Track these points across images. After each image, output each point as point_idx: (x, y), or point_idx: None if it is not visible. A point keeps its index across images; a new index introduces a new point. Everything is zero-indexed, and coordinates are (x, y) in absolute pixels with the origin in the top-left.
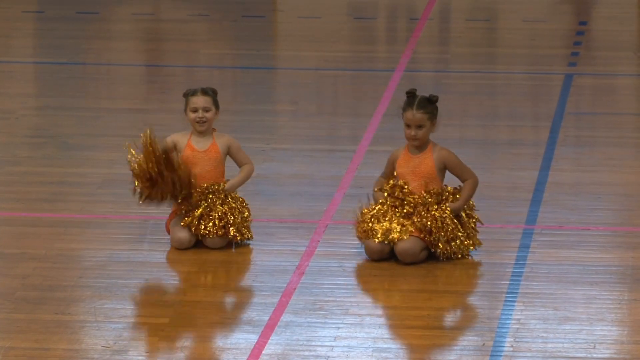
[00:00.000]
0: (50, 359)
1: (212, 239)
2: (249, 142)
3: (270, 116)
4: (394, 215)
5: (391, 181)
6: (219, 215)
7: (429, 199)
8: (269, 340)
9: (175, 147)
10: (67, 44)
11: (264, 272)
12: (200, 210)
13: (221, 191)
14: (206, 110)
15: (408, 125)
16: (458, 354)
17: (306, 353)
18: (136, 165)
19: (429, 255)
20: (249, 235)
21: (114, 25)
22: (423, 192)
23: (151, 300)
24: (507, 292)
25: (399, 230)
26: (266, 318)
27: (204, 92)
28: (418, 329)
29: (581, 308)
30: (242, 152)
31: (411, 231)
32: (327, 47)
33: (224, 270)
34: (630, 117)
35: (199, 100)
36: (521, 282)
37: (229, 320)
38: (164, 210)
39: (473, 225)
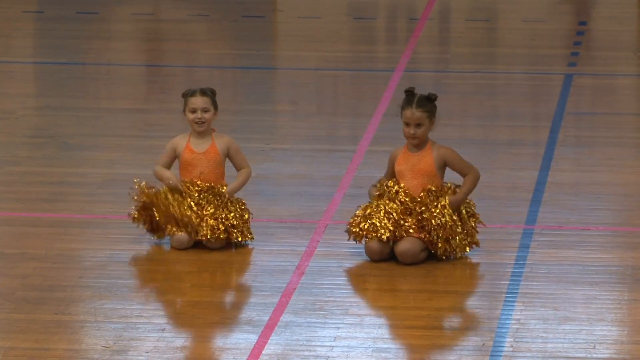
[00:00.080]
0: (50, 359)
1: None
2: (249, 142)
3: (270, 116)
4: (385, 214)
5: (387, 182)
6: (220, 219)
7: (427, 199)
8: (269, 340)
9: (175, 152)
10: (67, 44)
11: (264, 272)
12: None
13: (222, 195)
14: (205, 110)
15: (407, 124)
16: (458, 354)
17: (306, 353)
18: (137, 214)
19: (429, 256)
20: (251, 237)
21: (114, 25)
22: (421, 192)
23: (151, 300)
24: (507, 292)
25: (386, 227)
26: (266, 318)
27: (203, 92)
28: (418, 329)
29: (581, 308)
30: (240, 154)
31: (410, 232)
32: (327, 47)
33: (224, 270)
34: (630, 117)
35: (198, 101)
36: (521, 282)
37: (228, 320)
38: None
39: (473, 225)
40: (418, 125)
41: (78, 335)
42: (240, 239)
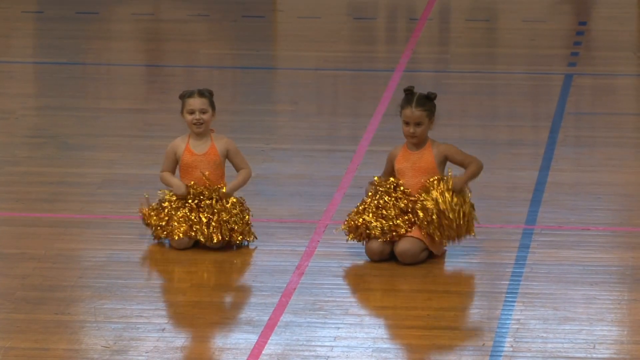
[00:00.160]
0: (50, 359)
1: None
2: (248, 142)
3: (270, 116)
4: (380, 211)
5: (385, 178)
6: (222, 222)
7: (422, 196)
8: (269, 340)
9: (175, 155)
10: (67, 44)
11: (264, 272)
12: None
13: (221, 197)
14: (203, 112)
15: (407, 123)
16: (458, 354)
17: (306, 353)
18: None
19: (429, 256)
20: (253, 238)
21: (114, 25)
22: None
23: (151, 300)
24: (507, 292)
25: (379, 226)
26: (266, 318)
27: (201, 93)
28: (418, 329)
29: (581, 308)
30: (240, 155)
31: (410, 232)
32: (327, 47)
33: (224, 270)
34: (630, 117)
35: (196, 102)
36: (521, 282)
37: (229, 320)
38: None
39: (475, 214)
40: (417, 124)
41: (78, 335)
42: (240, 239)
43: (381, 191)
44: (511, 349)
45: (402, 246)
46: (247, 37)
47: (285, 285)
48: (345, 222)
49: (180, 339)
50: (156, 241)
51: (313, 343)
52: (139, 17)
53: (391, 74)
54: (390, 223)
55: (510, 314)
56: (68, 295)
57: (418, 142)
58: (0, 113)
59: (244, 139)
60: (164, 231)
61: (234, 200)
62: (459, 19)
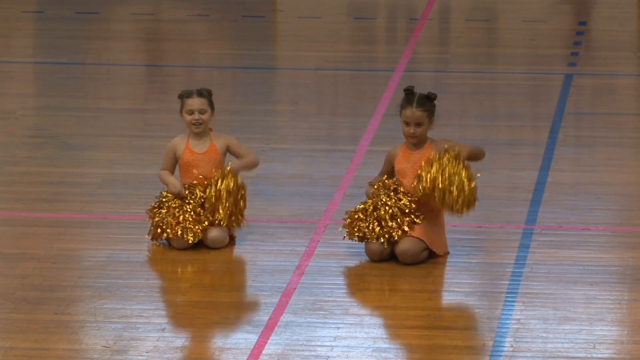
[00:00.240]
0: (50, 359)
1: (212, 238)
2: (249, 142)
3: (270, 116)
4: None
5: (384, 180)
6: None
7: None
8: (269, 340)
9: (175, 154)
10: (67, 44)
11: (264, 272)
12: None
13: (227, 173)
14: (202, 112)
15: (407, 123)
16: (458, 354)
17: (306, 353)
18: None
19: (429, 256)
20: (243, 222)
21: (114, 25)
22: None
23: (151, 300)
24: (507, 292)
25: (374, 233)
26: (266, 318)
27: (200, 93)
28: (418, 329)
29: (581, 308)
30: (242, 146)
31: (411, 233)
32: (327, 47)
33: (224, 270)
34: (630, 117)
35: (195, 102)
36: (521, 282)
37: (229, 320)
38: None
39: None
40: (418, 124)
41: (78, 335)
42: (235, 224)
43: (381, 194)
44: (511, 349)
45: (403, 246)
46: (247, 37)
47: (285, 285)
48: (345, 222)
49: (180, 339)
50: (155, 241)
51: (313, 343)
52: (139, 17)
53: (391, 74)
54: (387, 227)
55: (510, 314)
56: (68, 295)
57: (418, 142)
58: (0, 113)
59: (244, 139)
60: (162, 232)
61: (235, 186)
62: (459, 19)
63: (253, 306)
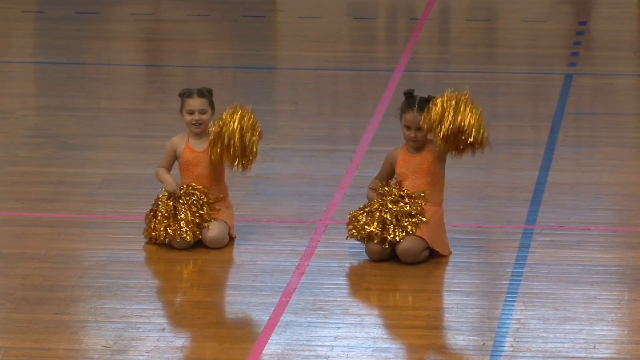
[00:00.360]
0: (50, 359)
1: (211, 238)
2: None
3: (270, 116)
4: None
5: (385, 184)
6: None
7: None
8: (269, 340)
9: (174, 153)
10: (67, 44)
11: (264, 272)
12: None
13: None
14: (202, 112)
15: (408, 127)
16: (458, 354)
17: (306, 353)
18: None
19: (430, 255)
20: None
21: (114, 25)
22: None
23: (151, 300)
24: (507, 292)
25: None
26: (266, 318)
27: (200, 93)
28: (418, 329)
29: (581, 308)
30: None
31: (413, 231)
32: (327, 47)
33: (224, 270)
34: (630, 117)
35: (195, 103)
36: (521, 282)
37: (229, 320)
38: None
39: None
40: (419, 128)
41: (78, 335)
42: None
43: (387, 201)
44: (511, 349)
45: (404, 245)
46: (247, 37)
47: (285, 285)
48: (348, 223)
49: (180, 339)
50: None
51: (313, 343)
52: (139, 17)
53: (391, 74)
54: (391, 230)
55: (511, 314)
56: (68, 295)
57: (419, 146)
58: (0, 113)
59: None
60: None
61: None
62: (459, 19)
63: (253, 306)
